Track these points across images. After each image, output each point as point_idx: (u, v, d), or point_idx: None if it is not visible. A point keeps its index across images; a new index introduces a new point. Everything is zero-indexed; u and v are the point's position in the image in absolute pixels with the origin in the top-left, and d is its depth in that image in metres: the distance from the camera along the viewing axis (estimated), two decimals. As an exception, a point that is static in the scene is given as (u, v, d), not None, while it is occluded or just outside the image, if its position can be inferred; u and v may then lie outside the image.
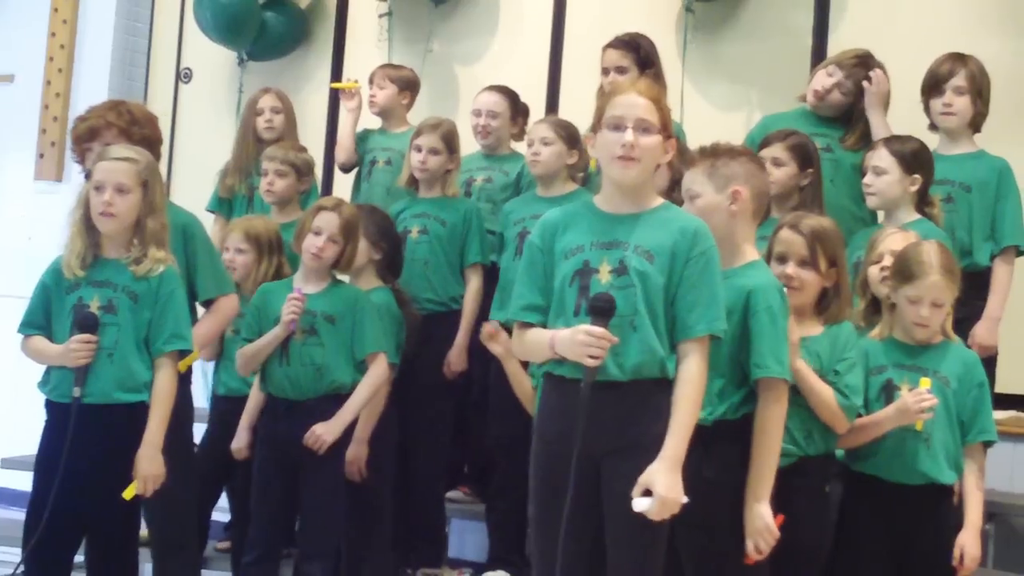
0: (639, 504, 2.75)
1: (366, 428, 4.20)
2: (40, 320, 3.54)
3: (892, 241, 3.59)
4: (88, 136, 3.80)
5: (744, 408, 3.06)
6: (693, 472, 2.91)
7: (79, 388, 3.38)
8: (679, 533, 2.97)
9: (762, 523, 2.98)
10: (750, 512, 2.99)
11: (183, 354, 3.56)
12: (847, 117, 4.44)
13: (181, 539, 3.84)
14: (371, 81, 5.27)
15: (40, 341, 3.53)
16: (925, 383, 3.29)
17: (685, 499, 2.78)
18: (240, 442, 4.21)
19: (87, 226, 3.49)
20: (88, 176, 3.54)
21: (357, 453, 4.19)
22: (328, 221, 4.04)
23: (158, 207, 3.52)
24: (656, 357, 2.83)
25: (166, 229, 3.56)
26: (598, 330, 2.79)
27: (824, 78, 4.42)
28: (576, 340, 2.80)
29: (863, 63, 4.43)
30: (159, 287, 3.48)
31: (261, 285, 4.24)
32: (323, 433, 3.93)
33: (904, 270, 3.39)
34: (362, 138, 5.31)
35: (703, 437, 2.98)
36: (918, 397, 3.27)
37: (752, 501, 2.99)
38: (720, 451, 3.02)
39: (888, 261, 3.53)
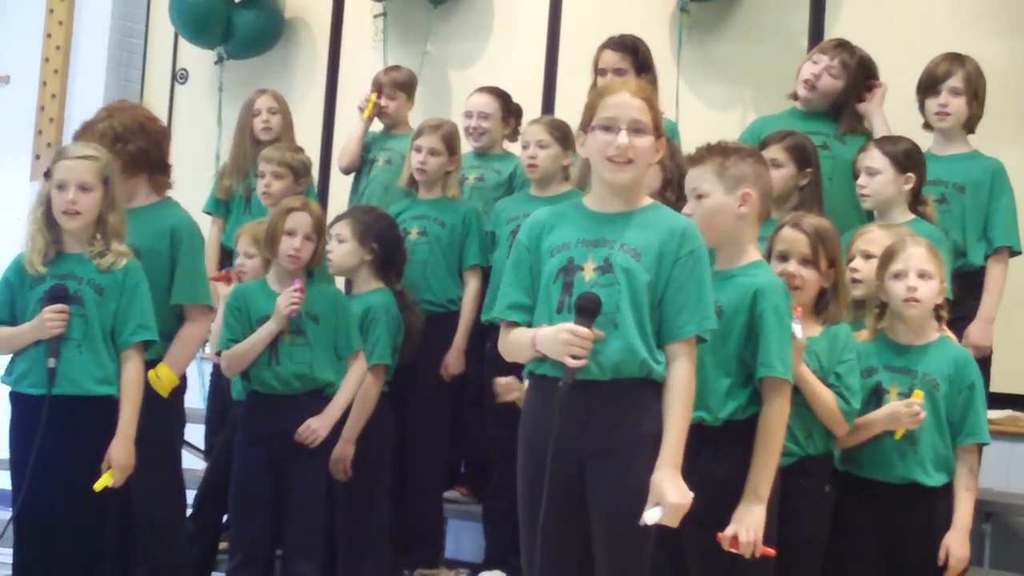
0: (651, 516, 2.72)
1: (355, 428, 4.22)
2: (5, 315, 3.57)
3: (863, 241, 3.62)
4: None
5: (752, 408, 3.04)
6: (703, 473, 2.92)
7: (54, 360, 3.41)
8: (686, 533, 2.95)
9: (752, 523, 2.95)
10: (747, 508, 2.96)
11: (148, 344, 3.57)
12: (839, 111, 4.44)
13: (174, 562, 3.85)
14: (379, 90, 5.26)
15: (5, 328, 3.55)
16: (918, 395, 3.29)
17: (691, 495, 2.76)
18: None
19: (48, 223, 3.53)
20: (48, 174, 3.56)
21: (344, 452, 4.20)
22: (300, 221, 4.07)
23: (118, 202, 3.57)
24: (636, 356, 2.79)
25: (124, 223, 3.59)
26: (583, 330, 2.75)
27: (811, 66, 4.42)
28: (559, 339, 2.77)
29: (843, 45, 4.45)
30: (124, 279, 3.52)
31: (234, 287, 4.25)
32: (318, 427, 3.98)
33: (886, 255, 3.42)
34: (367, 142, 5.32)
35: (712, 438, 3.00)
36: (911, 409, 3.28)
37: (752, 498, 2.97)
38: (729, 452, 3.01)
39: (859, 263, 3.57)
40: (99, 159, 3.55)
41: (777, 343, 3.01)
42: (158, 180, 3.90)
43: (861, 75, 4.42)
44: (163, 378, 3.69)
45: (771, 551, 2.97)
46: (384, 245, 4.41)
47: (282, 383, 4.01)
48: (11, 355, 3.57)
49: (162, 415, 3.71)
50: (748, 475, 2.98)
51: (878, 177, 3.99)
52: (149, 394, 3.61)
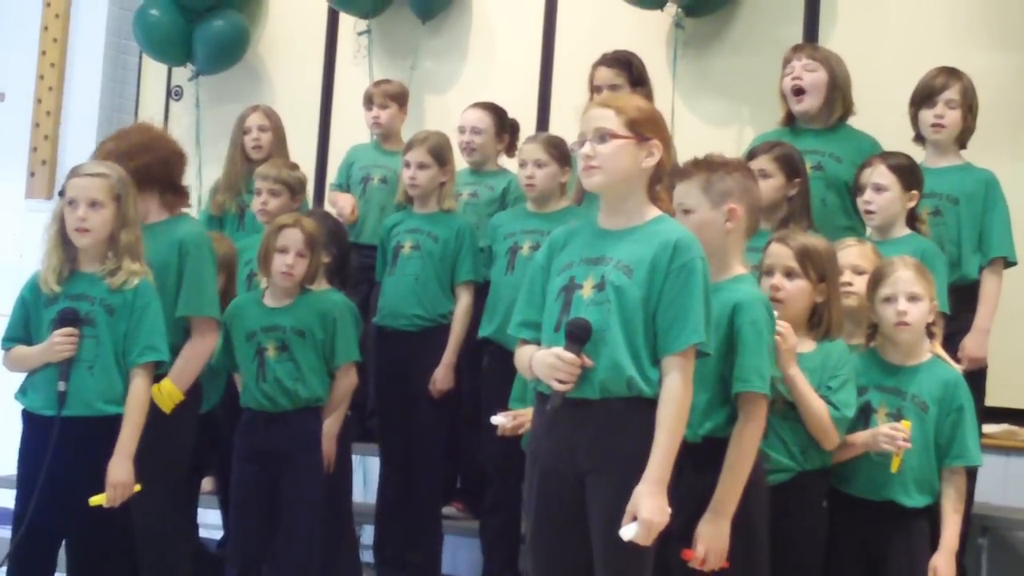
0: (627, 532, 2.69)
1: (335, 424, 4.22)
2: (20, 334, 3.58)
3: (847, 255, 3.60)
4: None
5: (733, 425, 3.02)
6: (685, 489, 2.90)
7: (64, 383, 3.41)
8: (672, 549, 2.96)
9: (719, 542, 2.93)
10: (712, 525, 2.95)
11: (158, 365, 3.56)
12: (833, 126, 4.39)
13: None
14: (370, 101, 5.25)
15: (21, 348, 3.56)
16: (906, 425, 3.28)
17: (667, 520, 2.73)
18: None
19: (63, 241, 3.53)
20: (62, 192, 3.56)
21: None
22: (293, 238, 4.07)
23: (132, 220, 3.56)
24: (622, 374, 2.77)
25: (140, 242, 3.58)
26: (568, 355, 2.76)
27: (788, 80, 4.37)
28: (546, 363, 2.79)
29: (800, 46, 4.47)
30: (134, 300, 3.51)
31: (230, 303, 4.23)
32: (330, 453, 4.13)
33: (875, 277, 3.43)
34: (353, 156, 5.32)
35: (694, 453, 2.97)
36: (892, 434, 3.26)
37: (716, 514, 2.95)
38: (711, 468, 2.98)
39: (848, 276, 3.55)
40: (110, 176, 3.54)
41: (754, 357, 2.97)
42: (169, 199, 3.86)
43: (836, 61, 4.37)
44: (165, 393, 3.64)
45: (726, 565, 2.95)
46: (340, 250, 4.46)
47: (268, 400, 4.03)
48: (26, 374, 3.57)
49: (165, 432, 3.65)
50: (716, 491, 2.96)
51: (885, 194, 3.96)
52: (154, 410, 3.59)
